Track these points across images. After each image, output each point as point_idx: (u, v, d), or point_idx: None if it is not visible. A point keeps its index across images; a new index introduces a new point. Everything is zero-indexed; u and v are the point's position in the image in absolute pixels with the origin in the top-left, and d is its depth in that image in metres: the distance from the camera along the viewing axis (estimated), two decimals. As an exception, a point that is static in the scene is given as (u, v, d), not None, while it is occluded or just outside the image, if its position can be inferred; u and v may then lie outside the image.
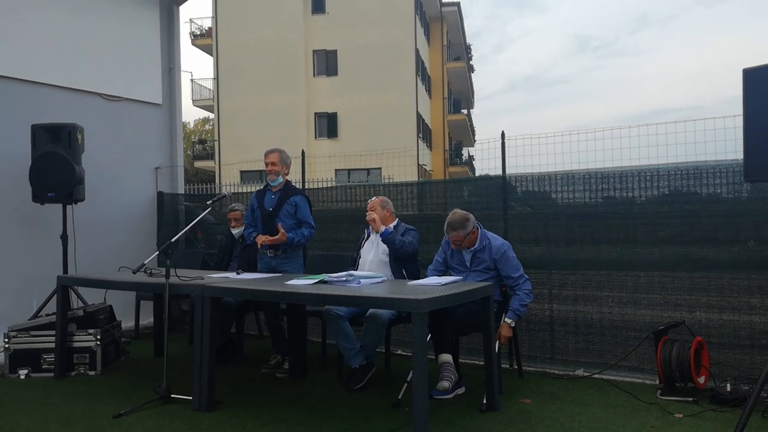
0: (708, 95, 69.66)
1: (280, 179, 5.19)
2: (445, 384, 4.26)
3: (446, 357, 4.35)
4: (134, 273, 4.77)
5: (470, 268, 4.42)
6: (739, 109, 3.43)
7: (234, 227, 5.83)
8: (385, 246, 4.78)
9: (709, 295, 4.49)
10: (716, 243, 4.52)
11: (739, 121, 3.45)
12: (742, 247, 4.43)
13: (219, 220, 7.08)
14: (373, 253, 4.88)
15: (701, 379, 4.19)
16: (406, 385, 4.16)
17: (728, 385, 4.07)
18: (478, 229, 4.52)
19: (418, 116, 26.09)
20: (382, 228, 4.76)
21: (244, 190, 7.43)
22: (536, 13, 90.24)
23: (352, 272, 4.25)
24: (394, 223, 4.93)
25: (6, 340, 5.07)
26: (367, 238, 5.01)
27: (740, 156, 3.48)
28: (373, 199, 5.03)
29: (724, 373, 4.29)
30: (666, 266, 4.68)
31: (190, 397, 4.13)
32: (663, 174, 4.74)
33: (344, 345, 4.57)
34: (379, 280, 4.24)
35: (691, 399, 4.08)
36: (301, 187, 6.34)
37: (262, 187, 5.37)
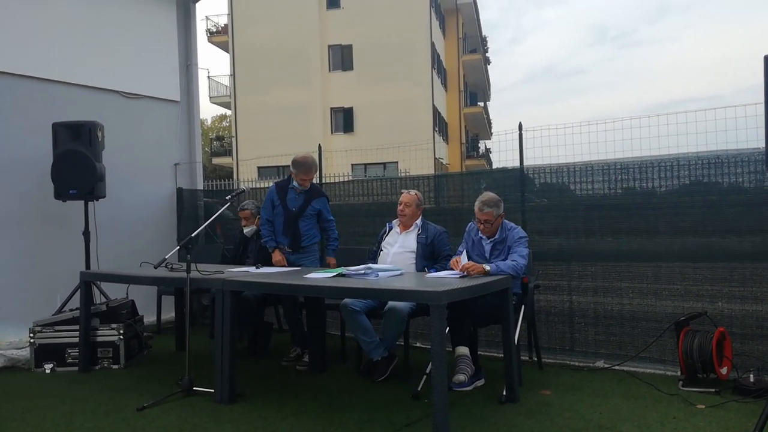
0: (728, 85, 68.62)
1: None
2: (461, 377, 4.26)
3: (463, 350, 4.35)
4: (155, 268, 4.83)
5: (489, 259, 4.40)
6: (760, 97, 3.39)
7: (245, 226, 5.84)
8: (410, 240, 4.84)
9: (731, 285, 4.45)
10: (738, 233, 4.47)
11: (761, 109, 3.40)
12: (764, 237, 4.36)
13: (237, 216, 7.12)
14: (396, 245, 4.88)
15: (723, 370, 4.15)
16: (425, 377, 4.17)
17: (751, 375, 4.03)
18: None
19: (434, 109, 26.00)
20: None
21: (262, 185, 7.48)
22: (553, 4, 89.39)
23: (371, 265, 4.27)
24: (419, 220, 4.93)
25: (31, 335, 5.17)
26: (389, 231, 5.02)
27: (762, 144, 3.43)
28: (411, 193, 4.92)
29: (747, 363, 4.24)
30: (687, 257, 4.63)
31: (212, 390, 4.18)
32: (683, 164, 4.69)
33: (363, 338, 4.60)
34: (398, 272, 4.24)
35: (713, 390, 4.04)
36: (318, 182, 6.36)
37: (282, 180, 5.38)
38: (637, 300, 4.80)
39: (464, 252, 4.35)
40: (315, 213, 5.21)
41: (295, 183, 5.16)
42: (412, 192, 4.98)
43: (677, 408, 3.82)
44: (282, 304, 5.65)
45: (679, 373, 4.33)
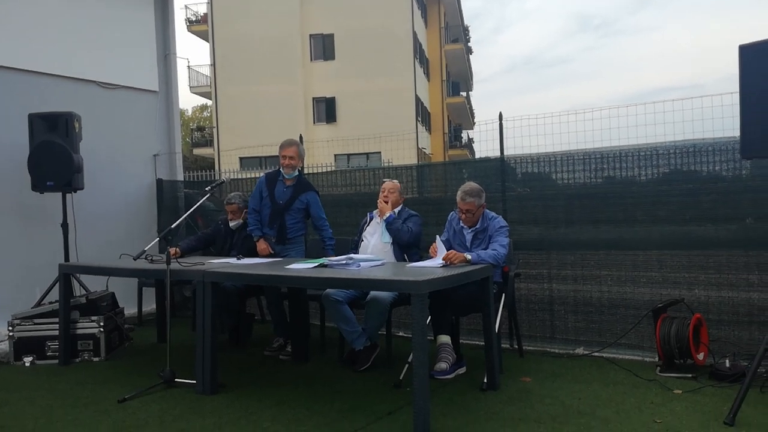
0: (709, 74, 69.39)
1: (295, 172, 5.19)
2: (443, 365, 4.30)
3: (444, 338, 4.38)
4: (135, 260, 4.79)
5: (470, 248, 4.42)
6: (737, 86, 3.43)
7: (231, 219, 5.77)
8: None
9: (708, 272, 4.52)
10: (715, 221, 4.53)
11: (737, 98, 3.44)
12: (740, 225, 4.44)
13: (218, 207, 7.09)
14: (377, 236, 4.89)
15: (700, 356, 4.22)
16: (407, 366, 4.20)
17: (727, 361, 4.11)
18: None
19: (417, 99, 25.98)
20: (387, 213, 4.79)
21: (244, 176, 7.43)
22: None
23: (352, 255, 4.28)
24: (399, 207, 4.94)
25: (10, 328, 5.11)
26: (370, 222, 5.02)
27: (738, 133, 3.48)
28: (394, 181, 5.00)
29: (723, 349, 4.32)
30: (665, 245, 4.69)
31: (194, 381, 4.17)
32: (662, 153, 4.74)
33: (346, 328, 4.60)
34: (379, 262, 4.25)
35: (690, 375, 4.12)
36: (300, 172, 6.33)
37: (273, 171, 5.35)
38: (615, 288, 4.86)
39: (440, 240, 4.35)
40: (302, 207, 5.19)
41: (283, 173, 5.14)
42: (395, 180, 5.02)
43: (655, 393, 3.89)
44: (264, 295, 5.64)
45: (656, 359, 4.40)
